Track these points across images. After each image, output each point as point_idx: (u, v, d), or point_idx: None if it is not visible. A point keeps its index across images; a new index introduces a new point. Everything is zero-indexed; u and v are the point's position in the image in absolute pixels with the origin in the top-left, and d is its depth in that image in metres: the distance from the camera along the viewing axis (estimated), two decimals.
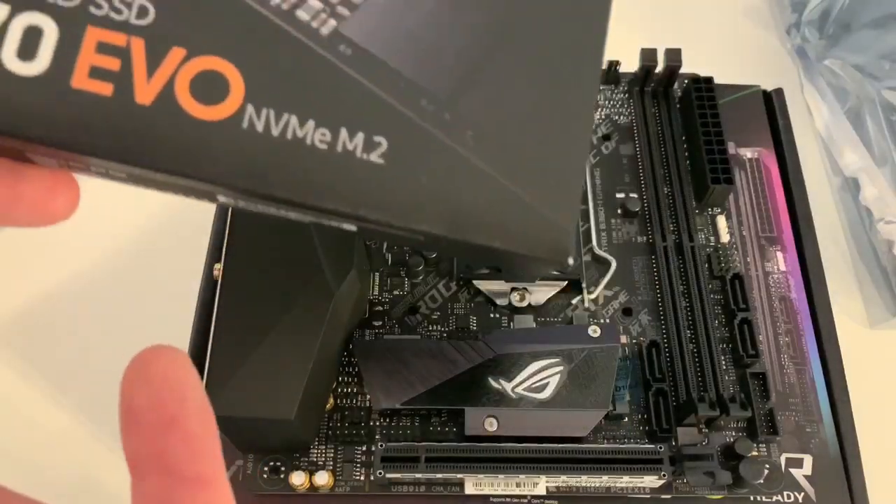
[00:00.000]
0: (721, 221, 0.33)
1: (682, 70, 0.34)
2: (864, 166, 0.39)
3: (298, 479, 0.27)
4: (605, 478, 0.26)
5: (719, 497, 0.27)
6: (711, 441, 0.28)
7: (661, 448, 0.26)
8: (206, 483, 0.12)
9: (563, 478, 0.26)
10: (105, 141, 0.14)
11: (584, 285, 0.31)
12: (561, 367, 0.27)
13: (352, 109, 0.15)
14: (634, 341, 0.30)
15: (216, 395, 0.23)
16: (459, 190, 0.15)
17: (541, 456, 0.26)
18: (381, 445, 0.26)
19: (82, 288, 0.37)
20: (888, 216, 0.37)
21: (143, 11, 0.14)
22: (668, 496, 0.27)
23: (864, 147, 0.40)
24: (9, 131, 0.14)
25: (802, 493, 0.28)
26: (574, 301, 0.31)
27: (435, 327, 0.30)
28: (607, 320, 0.30)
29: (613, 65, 0.35)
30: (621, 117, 0.35)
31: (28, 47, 0.14)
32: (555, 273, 0.30)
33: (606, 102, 0.36)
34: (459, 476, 0.26)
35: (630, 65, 0.35)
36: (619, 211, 0.33)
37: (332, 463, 0.27)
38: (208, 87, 0.14)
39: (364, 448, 0.28)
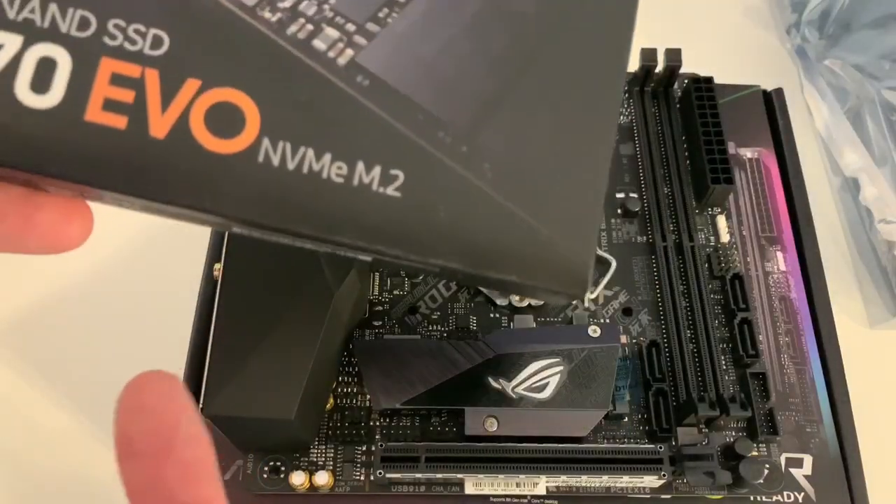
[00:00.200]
0: (721, 221, 0.33)
1: (682, 70, 0.34)
2: (864, 166, 0.39)
3: (298, 479, 0.27)
4: (605, 478, 0.26)
5: (719, 497, 0.27)
6: (711, 441, 0.28)
7: (661, 448, 0.26)
8: None
9: (563, 478, 0.26)
10: (118, 175, 0.14)
11: None
12: (561, 367, 0.27)
13: (369, 142, 0.15)
14: (634, 341, 0.30)
15: (216, 395, 0.23)
16: (477, 224, 0.15)
17: (541, 456, 0.26)
18: (381, 445, 0.26)
19: (82, 288, 0.37)
20: (888, 216, 0.37)
21: (157, 42, 0.14)
22: (668, 496, 0.27)
23: (864, 147, 0.40)
24: (22, 165, 0.14)
25: (802, 493, 0.28)
26: (574, 301, 0.31)
27: (435, 327, 0.30)
28: (607, 320, 0.30)
29: None
30: (621, 117, 0.35)
31: (42, 80, 0.14)
32: None
33: None
34: (459, 476, 0.26)
35: (630, 64, 0.35)
36: (619, 211, 0.33)
37: (332, 463, 0.27)
38: (223, 120, 0.14)
39: (364, 448, 0.28)
